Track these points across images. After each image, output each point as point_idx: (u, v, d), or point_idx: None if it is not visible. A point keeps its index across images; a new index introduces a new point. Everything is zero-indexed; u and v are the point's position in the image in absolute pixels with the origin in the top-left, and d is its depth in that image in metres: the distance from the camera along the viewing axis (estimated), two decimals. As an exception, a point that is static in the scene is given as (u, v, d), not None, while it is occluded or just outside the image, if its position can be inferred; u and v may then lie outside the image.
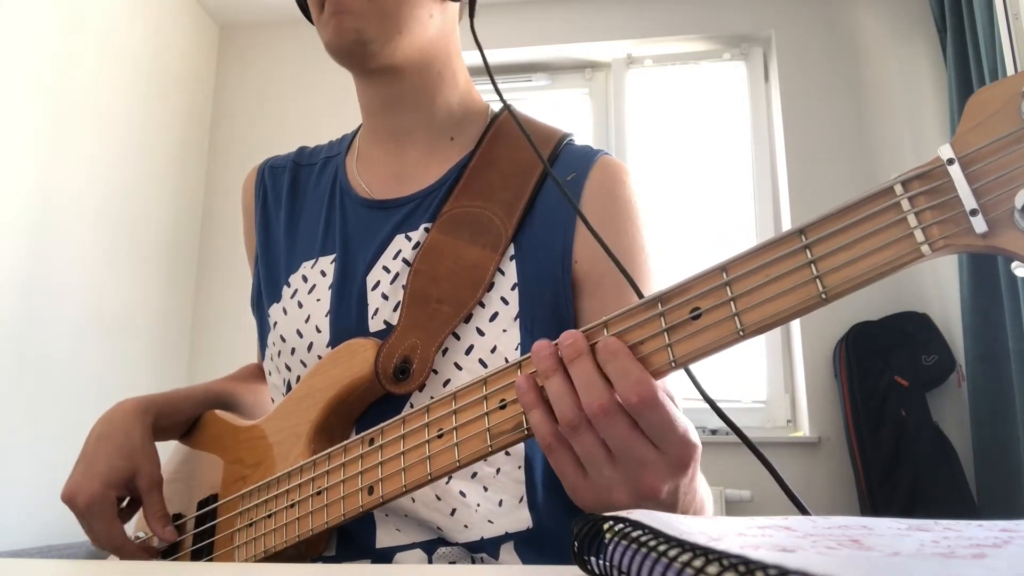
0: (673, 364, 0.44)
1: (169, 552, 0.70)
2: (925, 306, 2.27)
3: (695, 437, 0.44)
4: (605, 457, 0.44)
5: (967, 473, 2.07)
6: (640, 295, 0.46)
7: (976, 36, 2.02)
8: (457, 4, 0.75)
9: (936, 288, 2.28)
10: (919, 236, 0.38)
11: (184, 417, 0.75)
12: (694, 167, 2.65)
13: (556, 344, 0.46)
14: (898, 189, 0.39)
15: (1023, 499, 1.87)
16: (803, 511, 0.45)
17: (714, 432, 2.32)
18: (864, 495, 2.12)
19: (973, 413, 2.07)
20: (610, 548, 0.29)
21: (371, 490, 0.55)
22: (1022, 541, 0.27)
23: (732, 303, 0.42)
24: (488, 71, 0.70)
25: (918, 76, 2.47)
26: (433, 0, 0.70)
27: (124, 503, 0.70)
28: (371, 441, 0.56)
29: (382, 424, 0.56)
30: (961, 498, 2.03)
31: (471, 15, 0.74)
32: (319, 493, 0.58)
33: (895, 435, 2.11)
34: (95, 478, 0.65)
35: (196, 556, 0.67)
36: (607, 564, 0.29)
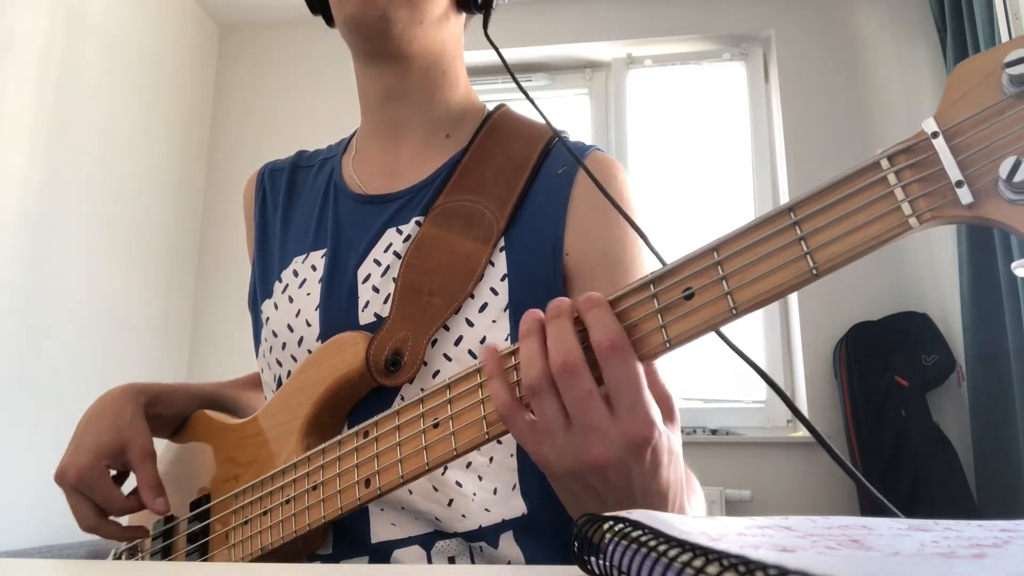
0: (667, 344, 0.44)
1: (164, 554, 0.70)
2: (925, 306, 2.27)
3: (658, 421, 0.43)
4: (561, 423, 0.43)
5: (967, 473, 2.07)
6: (663, 263, 0.46)
7: (976, 36, 2.02)
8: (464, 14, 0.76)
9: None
10: (906, 209, 0.39)
11: (177, 409, 0.75)
12: (694, 167, 2.65)
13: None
14: (884, 163, 0.40)
15: (1023, 499, 1.87)
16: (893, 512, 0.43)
17: (714, 432, 2.33)
18: (864, 495, 2.12)
19: (973, 413, 2.07)
20: (610, 548, 0.29)
21: (368, 483, 0.55)
22: (1022, 541, 0.27)
23: (724, 282, 0.43)
24: (506, 66, 0.72)
25: (918, 76, 2.47)
26: (450, 4, 0.72)
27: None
28: (366, 434, 0.56)
29: (376, 417, 0.56)
30: (961, 498, 2.03)
31: (485, 25, 0.75)
32: (315, 488, 0.58)
33: (895, 435, 2.11)
34: (84, 453, 0.65)
35: (191, 557, 0.67)
36: (607, 564, 0.29)
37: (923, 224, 0.39)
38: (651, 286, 0.45)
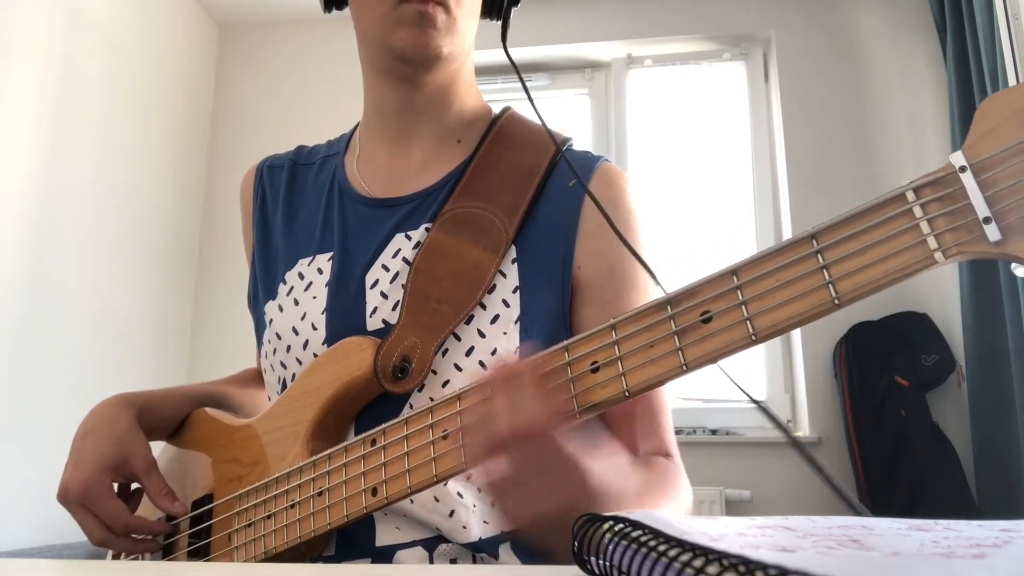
0: (684, 368, 0.43)
1: (164, 553, 0.70)
2: (925, 306, 2.26)
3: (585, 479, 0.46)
4: (530, 476, 0.45)
5: (967, 473, 2.07)
6: (664, 291, 0.46)
7: (976, 36, 2.01)
8: None
9: (936, 288, 2.28)
10: (932, 243, 0.39)
11: (168, 413, 0.74)
12: (694, 167, 2.65)
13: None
14: (910, 196, 0.39)
15: (1023, 499, 1.87)
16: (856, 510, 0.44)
17: (714, 432, 2.32)
18: (864, 495, 2.12)
19: (973, 413, 2.07)
20: (610, 548, 0.29)
21: (375, 491, 0.55)
22: (1022, 541, 0.27)
23: (743, 307, 0.42)
24: (519, 76, 0.72)
25: (918, 76, 2.47)
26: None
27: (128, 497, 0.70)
28: (373, 442, 0.56)
29: (384, 425, 0.56)
30: (961, 498, 2.03)
31: (503, 37, 0.76)
32: (320, 494, 0.58)
33: (895, 435, 2.11)
34: (85, 467, 0.64)
35: (192, 557, 0.67)
36: (607, 564, 0.29)
37: (949, 259, 0.38)
38: (668, 307, 0.44)
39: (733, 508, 2.20)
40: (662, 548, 0.26)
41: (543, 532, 0.47)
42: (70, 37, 2.16)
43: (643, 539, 0.27)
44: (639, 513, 0.31)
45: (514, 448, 0.45)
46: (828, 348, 2.30)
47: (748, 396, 0.52)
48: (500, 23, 0.77)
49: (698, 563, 0.23)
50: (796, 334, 2.36)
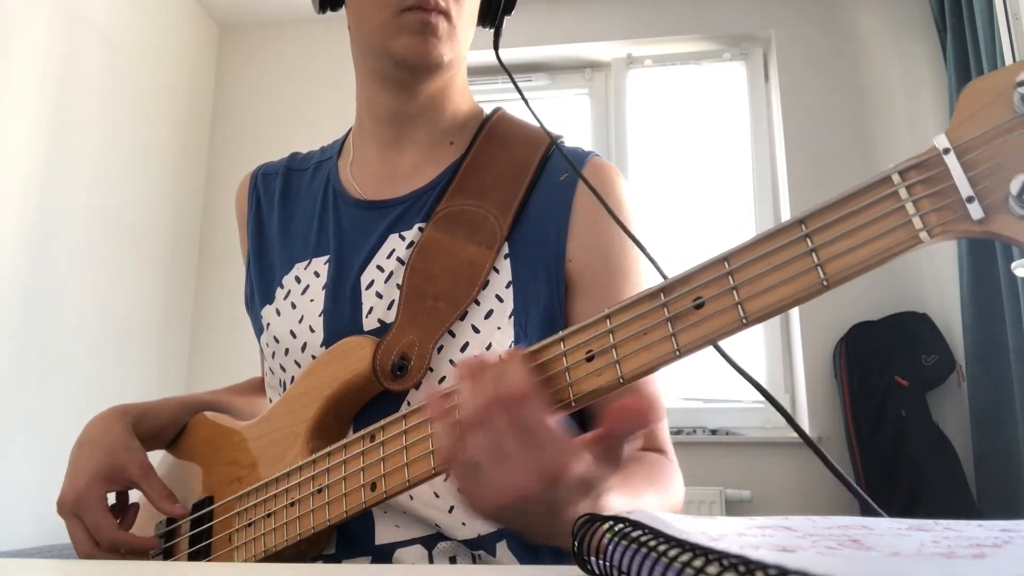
0: (677, 353, 0.44)
1: (166, 555, 0.70)
2: (925, 306, 2.26)
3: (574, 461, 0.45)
4: (494, 456, 0.44)
5: (967, 473, 2.07)
6: (664, 276, 0.46)
7: (976, 36, 2.02)
8: None
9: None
10: (917, 223, 0.39)
11: (165, 422, 0.74)
12: (694, 167, 2.65)
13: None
14: (895, 178, 0.40)
15: (1023, 499, 1.87)
16: (874, 510, 0.45)
17: (714, 432, 2.32)
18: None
19: (973, 413, 2.07)
20: (610, 548, 0.29)
21: (374, 486, 0.55)
22: (1022, 541, 0.27)
23: (735, 292, 0.43)
24: (511, 77, 0.73)
25: (918, 76, 2.47)
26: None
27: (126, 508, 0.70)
28: (372, 437, 0.56)
29: (382, 421, 0.56)
30: (961, 498, 2.03)
31: (496, 45, 0.76)
32: (320, 491, 0.58)
33: (895, 435, 2.11)
34: (80, 477, 0.65)
35: (193, 559, 0.67)
36: (607, 564, 0.29)
37: (933, 238, 0.39)
38: (661, 295, 0.45)
39: (733, 508, 2.20)
40: (662, 548, 0.26)
41: (521, 518, 0.45)
42: (70, 37, 2.16)
43: (643, 539, 0.27)
44: (639, 513, 0.31)
45: (498, 414, 0.43)
46: (828, 348, 2.30)
47: (755, 384, 0.52)
48: (498, 34, 0.77)
49: (698, 563, 0.23)
50: (797, 334, 2.36)
